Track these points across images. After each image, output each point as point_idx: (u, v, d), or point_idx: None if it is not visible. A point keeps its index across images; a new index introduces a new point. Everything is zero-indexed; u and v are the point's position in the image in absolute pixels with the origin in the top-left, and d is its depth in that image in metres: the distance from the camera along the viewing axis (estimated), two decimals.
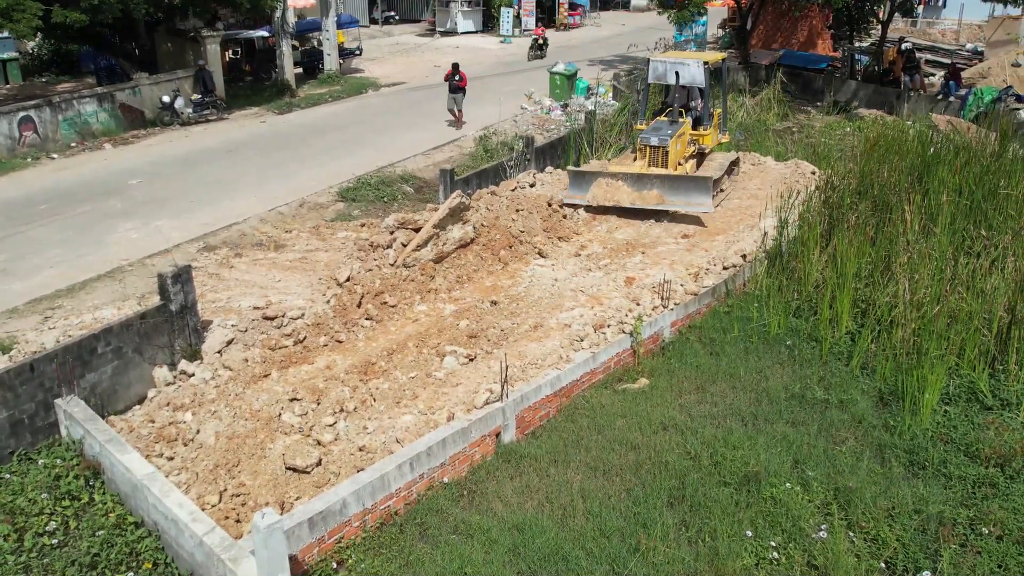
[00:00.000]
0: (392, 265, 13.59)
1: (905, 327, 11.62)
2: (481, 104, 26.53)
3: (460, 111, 24.72)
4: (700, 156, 19.31)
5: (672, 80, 19.00)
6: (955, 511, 8.64)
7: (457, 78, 24.14)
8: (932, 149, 16.53)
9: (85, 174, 20.02)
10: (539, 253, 15.22)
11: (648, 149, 17.79)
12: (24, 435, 9.55)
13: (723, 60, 21.03)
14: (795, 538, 8.25)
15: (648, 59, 19.64)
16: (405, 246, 13.88)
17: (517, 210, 16.13)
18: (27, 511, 8.59)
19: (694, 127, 19.20)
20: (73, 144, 22.33)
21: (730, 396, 10.92)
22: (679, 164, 18.04)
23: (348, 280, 13.06)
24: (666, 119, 18.71)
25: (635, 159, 18.41)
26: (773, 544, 8.18)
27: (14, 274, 14.10)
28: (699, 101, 19.36)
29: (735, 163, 20.07)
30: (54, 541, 8.28)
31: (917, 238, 13.17)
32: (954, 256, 12.79)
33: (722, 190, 18.73)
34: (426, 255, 13.85)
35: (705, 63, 18.67)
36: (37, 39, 28.90)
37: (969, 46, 39.59)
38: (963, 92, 27.84)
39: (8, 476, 9.14)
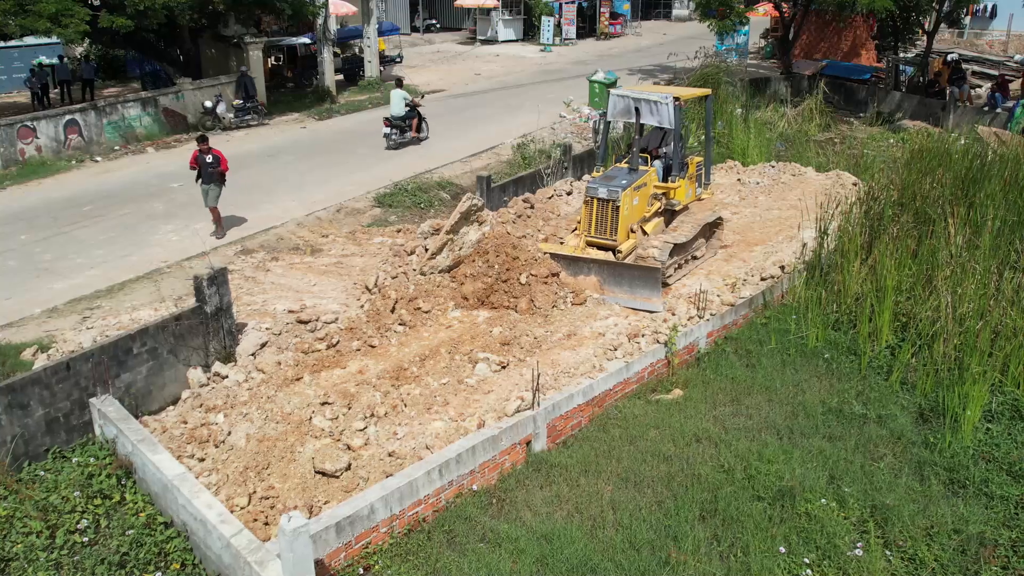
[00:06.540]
0: (416, 271, 13.52)
1: (947, 342, 11.36)
2: (520, 112, 26.56)
3: (215, 209, 15.93)
4: (672, 214, 15.35)
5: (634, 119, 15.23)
6: (996, 532, 8.40)
7: (211, 159, 15.57)
8: (978, 161, 16.19)
9: (128, 177, 20.38)
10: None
11: (595, 202, 13.93)
12: (59, 433, 9.67)
13: (707, 97, 17.21)
14: (830, 555, 8.06)
15: (609, 92, 15.97)
16: (428, 251, 13.82)
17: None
18: (60, 508, 8.67)
19: (664, 178, 15.30)
20: (117, 147, 22.74)
21: (765, 409, 10.74)
22: (631, 231, 14.31)
23: (375, 286, 13.04)
24: (626, 166, 14.99)
25: (579, 220, 14.79)
26: (807, 561, 8.00)
27: (57, 273, 14.34)
28: (671, 146, 15.40)
29: (716, 224, 15.97)
30: (85, 539, 8.33)
31: (960, 252, 12.89)
32: (999, 271, 12.50)
33: (695, 257, 15.37)
34: (442, 262, 13.64)
35: (676, 99, 14.71)
36: (84, 44, 29.47)
37: (1018, 57, 38.87)
38: (1010, 104, 27.32)
39: (42, 473, 9.24)
